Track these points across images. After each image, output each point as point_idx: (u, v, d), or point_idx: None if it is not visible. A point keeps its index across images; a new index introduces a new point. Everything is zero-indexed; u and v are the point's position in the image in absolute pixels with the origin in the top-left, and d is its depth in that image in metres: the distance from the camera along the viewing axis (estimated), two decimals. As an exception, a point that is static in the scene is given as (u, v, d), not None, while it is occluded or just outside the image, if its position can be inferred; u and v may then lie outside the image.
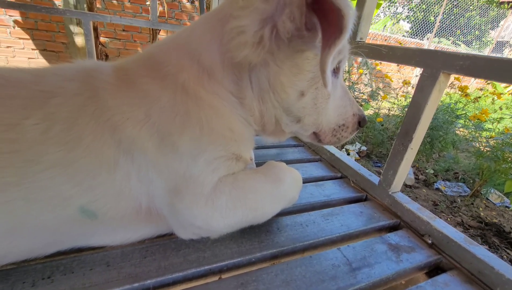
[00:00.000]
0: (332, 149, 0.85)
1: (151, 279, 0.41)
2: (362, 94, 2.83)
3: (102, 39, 3.00)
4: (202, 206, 0.42)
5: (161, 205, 0.42)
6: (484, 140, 2.39)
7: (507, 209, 2.64)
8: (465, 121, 2.58)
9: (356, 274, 0.47)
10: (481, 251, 0.50)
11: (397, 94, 3.61)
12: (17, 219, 0.36)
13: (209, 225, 0.43)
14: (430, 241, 0.56)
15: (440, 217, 0.69)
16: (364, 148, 2.63)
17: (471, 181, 2.64)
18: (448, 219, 2.03)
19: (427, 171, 2.56)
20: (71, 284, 0.39)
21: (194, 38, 0.45)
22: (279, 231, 0.54)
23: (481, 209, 2.54)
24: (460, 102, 2.78)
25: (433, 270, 0.54)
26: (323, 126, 0.52)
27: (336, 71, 0.49)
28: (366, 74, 3.01)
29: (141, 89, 0.41)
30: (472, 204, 2.56)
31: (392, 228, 0.62)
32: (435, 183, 2.36)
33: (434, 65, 0.54)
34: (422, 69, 0.56)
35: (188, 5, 3.26)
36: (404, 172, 0.62)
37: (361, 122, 0.55)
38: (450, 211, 2.20)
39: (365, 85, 3.05)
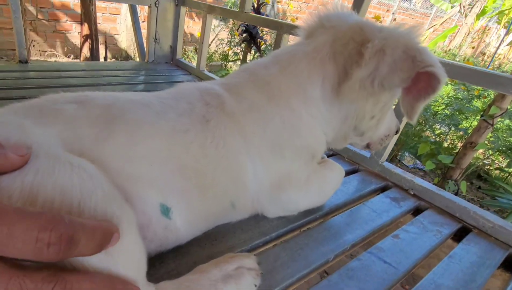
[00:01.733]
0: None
1: (270, 233, 0.63)
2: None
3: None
4: (299, 195, 0.65)
5: (262, 196, 0.62)
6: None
7: (418, 170, 3.28)
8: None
9: (381, 216, 0.75)
10: (446, 194, 0.82)
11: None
12: (208, 210, 0.55)
13: (299, 207, 0.68)
14: (412, 193, 0.87)
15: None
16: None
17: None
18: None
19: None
20: (230, 243, 0.59)
21: (301, 71, 0.61)
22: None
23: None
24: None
25: (415, 211, 0.84)
26: (375, 138, 0.71)
27: None
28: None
29: (261, 111, 0.59)
30: (391, 168, 3.08)
31: (384, 188, 0.91)
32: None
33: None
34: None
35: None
36: (391, 146, 0.91)
37: (398, 130, 0.75)
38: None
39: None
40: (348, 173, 0.95)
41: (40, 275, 0.27)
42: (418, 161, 3.17)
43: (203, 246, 0.58)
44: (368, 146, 0.74)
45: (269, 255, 0.59)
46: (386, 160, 0.94)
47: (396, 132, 0.74)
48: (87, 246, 0.29)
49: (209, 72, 1.56)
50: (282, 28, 1.14)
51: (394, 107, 0.83)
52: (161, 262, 0.53)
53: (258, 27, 2.72)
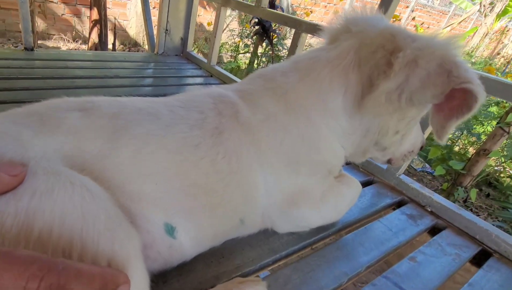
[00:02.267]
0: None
1: (280, 251, 0.60)
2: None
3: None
4: (312, 212, 0.61)
5: (273, 212, 0.58)
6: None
7: (426, 174, 3.23)
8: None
9: (398, 236, 0.71)
10: (466, 213, 0.78)
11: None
12: (216, 228, 0.52)
13: (311, 224, 0.65)
14: (429, 209, 0.83)
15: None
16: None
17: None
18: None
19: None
20: (237, 261, 0.56)
21: (322, 80, 0.56)
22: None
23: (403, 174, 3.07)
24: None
25: (431, 230, 0.80)
26: (398, 154, 0.66)
27: None
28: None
29: (278, 122, 0.55)
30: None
31: (400, 203, 0.87)
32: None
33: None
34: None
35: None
36: (409, 160, 0.87)
37: (423, 146, 0.69)
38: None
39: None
40: (363, 184, 0.91)
41: None
42: (427, 165, 3.11)
43: (209, 263, 0.55)
44: (389, 162, 0.69)
45: (279, 277, 0.55)
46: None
47: (421, 148, 0.69)
48: None
49: (218, 64, 1.52)
50: (301, 26, 1.09)
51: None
52: (164, 282, 0.50)
53: (271, 20, 2.66)
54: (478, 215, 2.71)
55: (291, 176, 0.57)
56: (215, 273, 0.53)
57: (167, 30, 1.60)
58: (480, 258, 0.72)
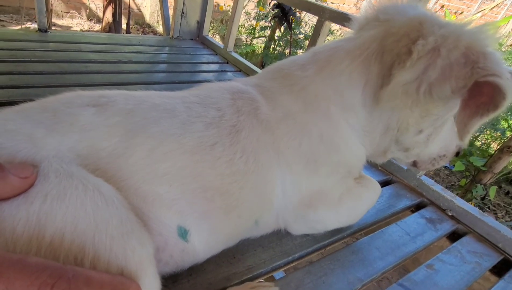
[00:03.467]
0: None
1: (293, 253, 0.59)
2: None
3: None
4: (329, 214, 0.60)
5: (288, 213, 0.57)
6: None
7: (443, 168, 3.17)
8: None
9: (415, 241, 0.69)
10: (489, 219, 0.76)
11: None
12: (230, 231, 0.52)
13: (327, 227, 0.63)
14: (450, 214, 0.81)
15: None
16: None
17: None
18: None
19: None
20: (248, 262, 0.56)
21: (340, 73, 0.54)
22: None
23: (420, 168, 3.03)
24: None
25: (451, 236, 0.78)
26: (424, 156, 0.62)
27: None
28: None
29: (297, 121, 0.53)
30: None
31: (419, 205, 0.85)
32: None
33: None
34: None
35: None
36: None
37: (459, 152, 0.64)
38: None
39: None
40: (380, 184, 0.89)
41: None
42: (446, 160, 3.04)
43: (220, 264, 0.54)
44: (415, 165, 0.66)
45: (290, 281, 0.55)
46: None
47: (457, 154, 0.64)
48: None
49: (235, 47, 1.49)
50: (324, 14, 1.05)
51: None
52: (174, 281, 0.50)
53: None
54: (495, 213, 2.67)
55: (310, 176, 0.56)
56: (226, 274, 0.53)
57: (183, 12, 1.58)
58: (501, 268, 0.70)
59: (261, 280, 0.54)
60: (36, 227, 0.29)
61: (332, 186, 0.58)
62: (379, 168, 0.95)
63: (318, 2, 1.16)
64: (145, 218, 0.41)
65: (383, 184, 0.90)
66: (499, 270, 0.70)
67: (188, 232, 0.45)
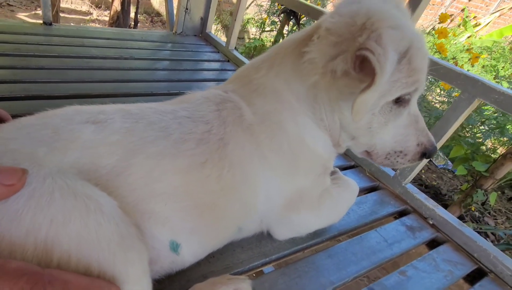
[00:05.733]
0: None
1: (271, 255, 0.64)
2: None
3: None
4: (311, 215, 0.63)
5: (271, 218, 0.61)
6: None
7: (446, 171, 3.18)
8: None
9: (392, 247, 0.73)
10: (467, 230, 0.79)
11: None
12: (216, 241, 0.56)
13: (310, 228, 0.67)
14: (431, 222, 0.84)
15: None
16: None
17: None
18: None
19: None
20: (227, 262, 0.60)
21: (286, 65, 0.58)
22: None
23: (423, 171, 3.04)
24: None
25: (430, 243, 0.82)
26: (376, 148, 0.61)
27: (403, 101, 0.56)
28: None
29: (273, 122, 0.57)
30: (416, 167, 2.98)
31: (402, 212, 0.88)
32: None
33: (473, 92, 0.74)
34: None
35: None
36: (418, 170, 0.88)
37: (426, 153, 0.60)
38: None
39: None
40: (366, 190, 0.93)
41: None
42: (450, 163, 3.06)
43: (199, 262, 0.58)
44: (369, 156, 0.64)
45: (265, 280, 0.59)
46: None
47: (425, 156, 0.61)
48: None
49: (241, 39, 1.52)
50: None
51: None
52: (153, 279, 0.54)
53: None
54: (495, 219, 2.67)
55: (291, 177, 0.59)
56: (204, 272, 0.57)
57: (187, 9, 1.61)
58: (475, 277, 0.73)
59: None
60: (44, 252, 0.32)
61: (311, 185, 0.62)
62: (367, 174, 0.99)
63: (318, 7, 1.19)
64: (140, 233, 0.44)
65: (370, 190, 0.93)
66: (472, 279, 0.73)
67: (179, 246, 0.49)
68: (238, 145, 0.54)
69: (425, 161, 0.67)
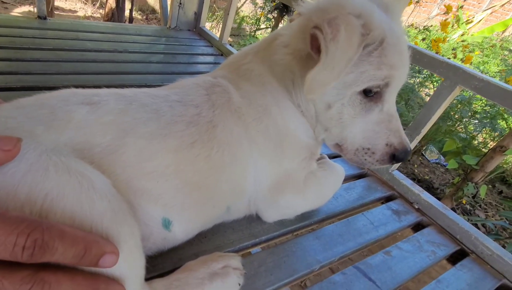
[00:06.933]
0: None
1: (260, 236, 0.66)
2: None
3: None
4: (297, 198, 0.66)
5: (259, 200, 0.63)
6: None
7: (438, 165, 3.22)
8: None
9: (378, 229, 0.76)
10: (451, 213, 0.82)
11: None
12: (205, 219, 0.59)
13: (297, 211, 0.70)
14: (417, 207, 0.87)
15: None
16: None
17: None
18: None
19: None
20: (218, 242, 0.63)
21: (273, 51, 0.62)
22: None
23: (416, 165, 3.08)
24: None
25: (416, 226, 0.85)
26: (346, 142, 0.61)
27: (375, 97, 0.57)
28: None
29: (259, 105, 0.60)
30: (409, 161, 3.03)
31: (389, 197, 0.91)
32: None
33: (454, 79, 0.77)
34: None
35: None
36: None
37: (396, 155, 0.58)
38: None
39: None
40: (355, 177, 0.95)
41: (19, 275, 0.30)
42: (442, 157, 3.10)
43: (191, 242, 0.61)
44: (341, 150, 0.64)
45: (254, 259, 0.61)
46: (398, 169, 0.94)
47: (394, 157, 0.59)
48: (64, 254, 0.31)
49: (237, 36, 1.54)
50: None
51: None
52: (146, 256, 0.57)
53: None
54: (486, 212, 2.72)
55: (278, 160, 0.62)
56: (195, 251, 0.60)
57: (181, 3, 1.62)
58: (457, 257, 0.76)
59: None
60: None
61: (297, 168, 0.64)
62: (356, 162, 1.01)
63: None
64: (133, 210, 0.47)
65: (358, 177, 0.96)
66: (455, 259, 0.76)
67: (171, 223, 0.52)
68: (226, 127, 0.57)
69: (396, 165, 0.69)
